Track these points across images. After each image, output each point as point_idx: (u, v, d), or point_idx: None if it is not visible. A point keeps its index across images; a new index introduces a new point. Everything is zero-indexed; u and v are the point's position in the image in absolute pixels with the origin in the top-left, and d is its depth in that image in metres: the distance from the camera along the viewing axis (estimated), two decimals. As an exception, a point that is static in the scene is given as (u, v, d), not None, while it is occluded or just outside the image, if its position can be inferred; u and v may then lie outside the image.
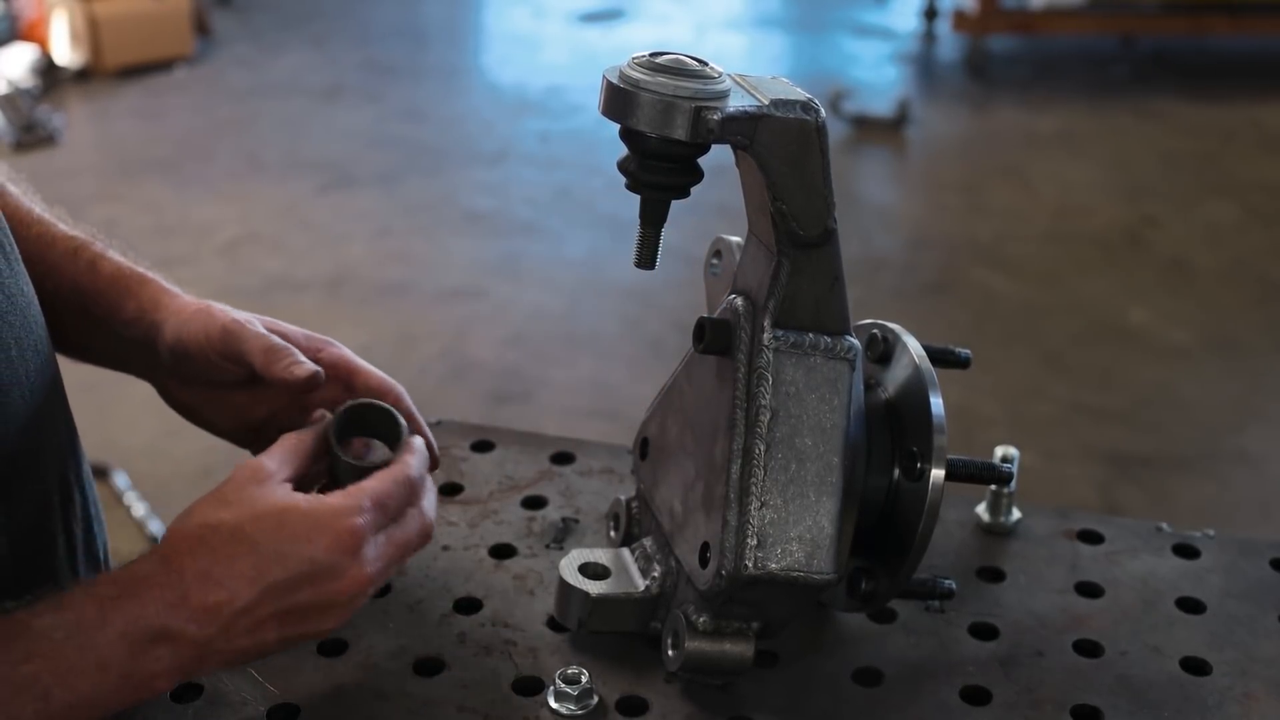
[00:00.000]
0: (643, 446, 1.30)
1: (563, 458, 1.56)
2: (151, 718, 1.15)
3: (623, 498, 1.34)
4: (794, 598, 1.12)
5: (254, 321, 1.26)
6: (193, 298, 1.34)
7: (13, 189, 1.36)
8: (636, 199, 1.09)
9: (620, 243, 5.33)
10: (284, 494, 1.05)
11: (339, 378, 1.27)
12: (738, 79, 1.07)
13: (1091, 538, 1.45)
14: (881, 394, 1.23)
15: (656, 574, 1.22)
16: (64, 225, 1.37)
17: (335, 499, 1.06)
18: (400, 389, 1.29)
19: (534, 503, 1.48)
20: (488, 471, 1.52)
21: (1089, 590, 1.37)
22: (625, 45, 7.73)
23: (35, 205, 1.37)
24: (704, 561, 1.12)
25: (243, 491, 1.04)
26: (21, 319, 1.15)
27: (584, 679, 1.18)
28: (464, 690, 1.20)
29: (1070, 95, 7.20)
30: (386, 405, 1.19)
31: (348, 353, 1.29)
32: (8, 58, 7.06)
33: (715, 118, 1.00)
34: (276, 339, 1.24)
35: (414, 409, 1.29)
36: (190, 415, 1.33)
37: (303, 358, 1.21)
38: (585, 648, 1.26)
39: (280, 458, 1.09)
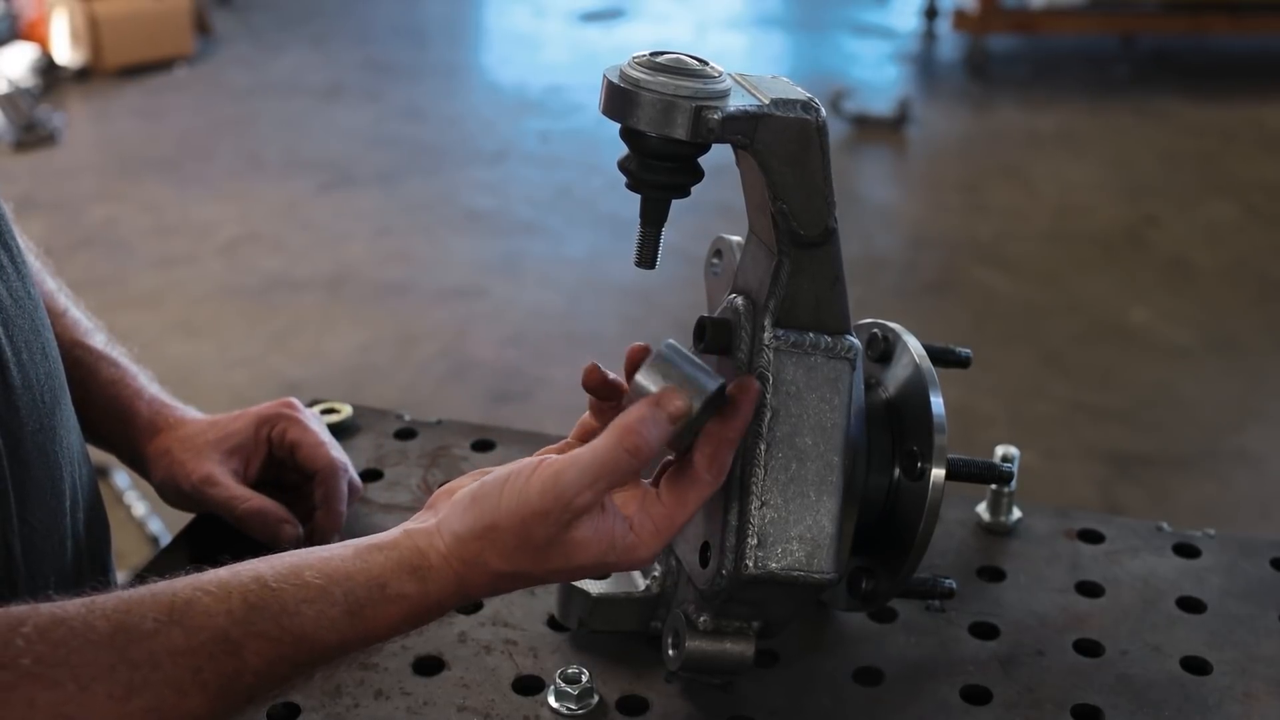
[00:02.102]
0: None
1: (563, 457, 1.56)
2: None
3: (623, 497, 1.34)
4: (794, 597, 1.12)
5: (222, 462, 1.36)
6: (177, 415, 1.42)
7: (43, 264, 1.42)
8: (637, 198, 1.09)
9: (621, 242, 5.33)
10: (594, 546, 0.99)
11: (286, 453, 1.39)
12: (738, 78, 1.07)
13: (1092, 537, 1.45)
14: (882, 393, 1.23)
15: (657, 573, 1.22)
16: (70, 309, 1.44)
17: (646, 548, 1.01)
18: (341, 467, 1.37)
19: (534, 502, 1.48)
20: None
21: (1089, 590, 1.37)
22: (626, 44, 7.73)
23: (48, 277, 1.42)
24: (704, 561, 1.12)
25: (553, 539, 0.98)
26: (30, 322, 1.15)
27: (584, 678, 1.18)
28: (464, 689, 1.20)
29: (1071, 95, 7.20)
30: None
31: (301, 419, 1.40)
32: (8, 57, 7.06)
33: (716, 117, 1.00)
34: (250, 500, 1.34)
35: (345, 491, 1.37)
36: None
37: (284, 515, 1.33)
38: (586, 647, 1.26)
39: (598, 488, 0.98)
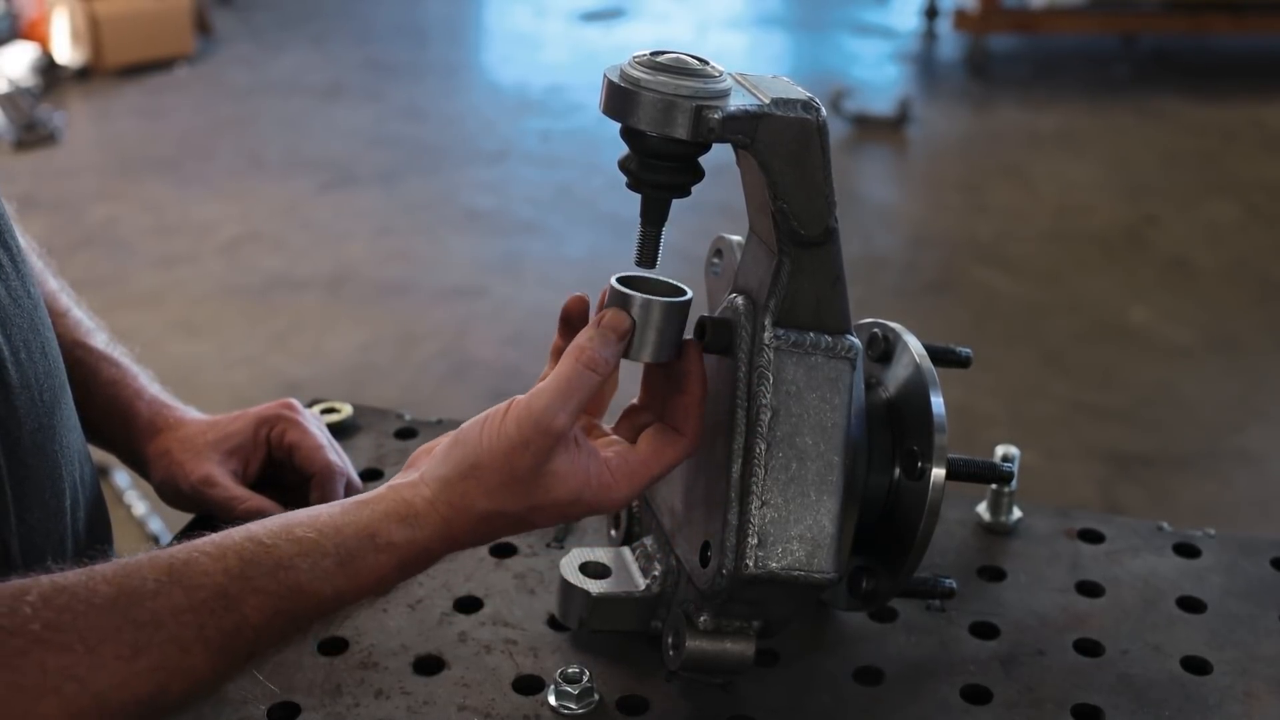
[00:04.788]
0: (643, 445, 1.30)
1: (563, 457, 1.56)
2: (152, 716, 1.15)
3: (623, 497, 1.34)
4: (795, 597, 1.12)
5: (221, 463, 1.36)
6: (177, 415, 1.42)
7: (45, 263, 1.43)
8: (637, 198, 1.09)
9: (621, 242, 5.33)
10: (572, 480, 1.04)
11: (284, 454, 1.40)
12: (738, 78, 1.07)
13: (1092, 537, 1.45)
14: (882, 393, 1.23)
15: (657, 573, 1.22)
16: (72, 309, 1.44)
17: (620, 489, 1.07)
18: (338, 470, 1.38)
19: (535, 501, 1.48)
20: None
21: (1090, 589, 1.37)
22: (626, 44, 7.73)
23: (50, 277, 1.43)
24: (705, 560, 1.12)
25: (534, 469, 1.03)
26: (29, 322, 1.15)
27: (585, 678, 1.18)
28: (464, 689, 1.20)
29: (1071, 94, 7.20)
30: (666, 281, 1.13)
31: (300, 420, 1.40)
32: (9, 56, 7.06)
33: (716, 116, 1.00)
34: (248, 500, 1.35)
35: (341, 494, 1.37)
36: None
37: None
38: (586, 647, 1.26)
39: (568, 409, 1.04)
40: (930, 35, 8.30)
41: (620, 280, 1.11)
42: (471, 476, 1.03)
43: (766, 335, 1.09)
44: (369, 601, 1.14)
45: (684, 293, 1.11)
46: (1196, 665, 1.26)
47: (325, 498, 1.35)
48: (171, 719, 0.93)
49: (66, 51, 7.34)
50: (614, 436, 1.12)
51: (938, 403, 1.18)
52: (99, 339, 1.42)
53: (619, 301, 1.09)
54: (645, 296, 1.08)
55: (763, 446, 1.08)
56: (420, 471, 1.06)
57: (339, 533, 1.00)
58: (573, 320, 1.14)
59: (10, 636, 0.87)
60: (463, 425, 1.07)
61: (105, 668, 0.89)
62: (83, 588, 0.91)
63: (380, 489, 1.05)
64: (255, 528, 0.99)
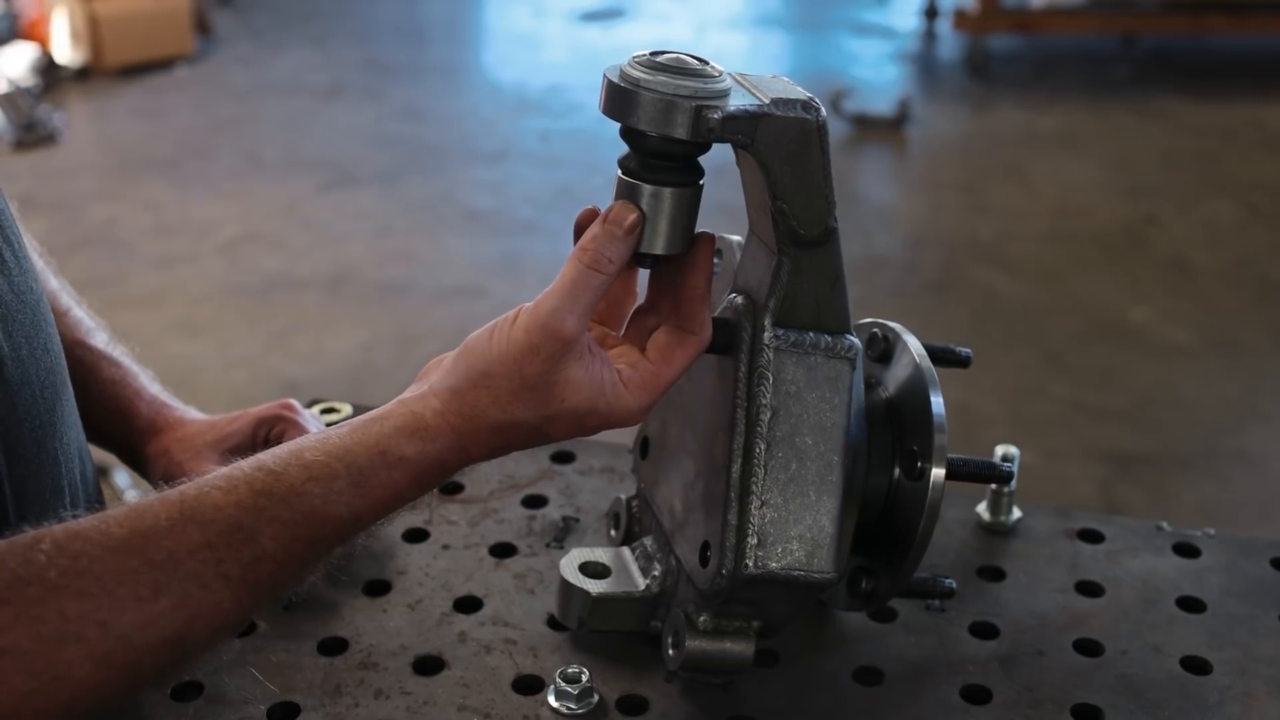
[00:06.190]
0: (643, 445, 1.31)
1: (563, 456, 1.56)
2: (152, 716, 1.16)
3: (623, 497, 1.34)
4: (794, 597, 1.12)
5: (219, 463, 1.34)
6: (176, 415, 1.41)
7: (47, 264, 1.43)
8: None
9: (621, 242, 5.32)
10: (586, 388, 1.02)
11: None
12: (738, 78, 1.07)
13: (1092, 537, 1.45)
14: (882, 393, 1.23)
15: (657, 573, 1.22)
16: (73, 308, 1.44)
17: (635, 400, 1.04)
18: None
19: (534, 501, 1.49)
20: (488, 470, 1.52)
21: (1089, 589, 1.37)
22: (626, 44, 7.72)
23: (51, 276, 1.43)
24: (704, 560, 1.12)
25: (545, 376, 1.00)
26: (31, 318, 1.15)
27: (584, 678, 1.18)
28: (464, 689, 1.20)
29: (1071, 94, 7.20)
30: None
31: (299, 420, 1.39)
32: (8, 56, 7.06)
33: (716, 116, 1.00)
34: None
35: None
36: None
37: None
38: (586, 647, 1.26)
39: (576, 310, 1.01)
40: (930, 35, 8.30)
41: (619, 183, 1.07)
42: (481, 385, 1.01)
43: (766, 335, 1.09)
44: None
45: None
46: (1196, 665, 1.26)
47: None
48: (203, 659, 0.93)
49: (66, 51, 7.34)
50: (626, 346, 1.08)
51: (937, 403, 1.18)
52: (99, 338, 1.43)
53: (627, 192, 1.06)
54: (654, 186, 1.05)
55: (762, 446, 1.08)
56: (429, 383, 1.03)
57: (348, 453, 0.99)
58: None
59: (27, 586, 0.86)
60: (470, 335, 1.04)
61: (126, 610, 0.88)
62: (96, 532, 0.90)
63: (390, 404, 1.03)
64: (264, 457, 0.98)
